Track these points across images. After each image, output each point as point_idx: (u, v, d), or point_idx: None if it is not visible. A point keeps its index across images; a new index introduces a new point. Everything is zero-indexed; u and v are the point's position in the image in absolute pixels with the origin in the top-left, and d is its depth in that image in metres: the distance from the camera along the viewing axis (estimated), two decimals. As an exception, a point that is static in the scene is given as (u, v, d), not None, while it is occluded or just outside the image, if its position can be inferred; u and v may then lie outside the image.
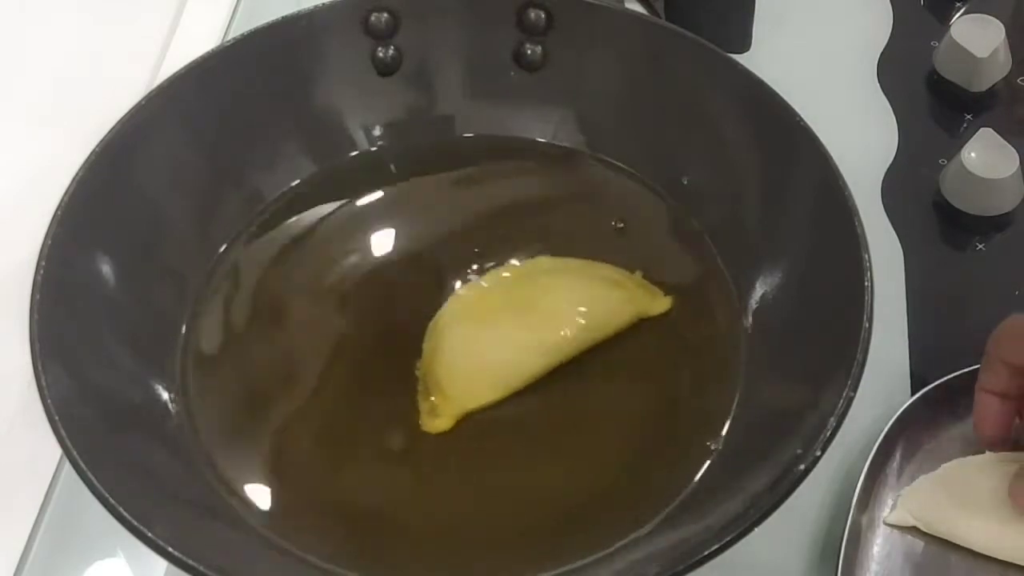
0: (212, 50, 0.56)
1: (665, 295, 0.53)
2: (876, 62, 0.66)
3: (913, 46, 0.67)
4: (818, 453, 0.41)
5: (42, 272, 0.47)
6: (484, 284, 0.53)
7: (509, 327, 0.52)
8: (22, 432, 0.51)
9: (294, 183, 0.57)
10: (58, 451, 0.45)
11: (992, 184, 0.57)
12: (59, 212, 0.49)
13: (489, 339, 0.51)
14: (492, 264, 0.54)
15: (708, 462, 0.47)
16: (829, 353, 0.45)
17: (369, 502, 0.48)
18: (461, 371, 0.50)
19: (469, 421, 0.49)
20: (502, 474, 0.48)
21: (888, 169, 0.61)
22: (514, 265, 0.54)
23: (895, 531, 0.48)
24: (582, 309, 0.51)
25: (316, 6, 0.57)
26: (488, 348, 0.51)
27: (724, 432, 0.48)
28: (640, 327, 0.52)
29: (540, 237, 0.55)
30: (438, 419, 0.49)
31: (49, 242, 0.48)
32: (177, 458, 0.48)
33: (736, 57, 0.55)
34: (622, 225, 0.56)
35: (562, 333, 0.51)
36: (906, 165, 0.61)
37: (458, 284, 0.53)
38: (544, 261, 0.54)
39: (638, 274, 0.54)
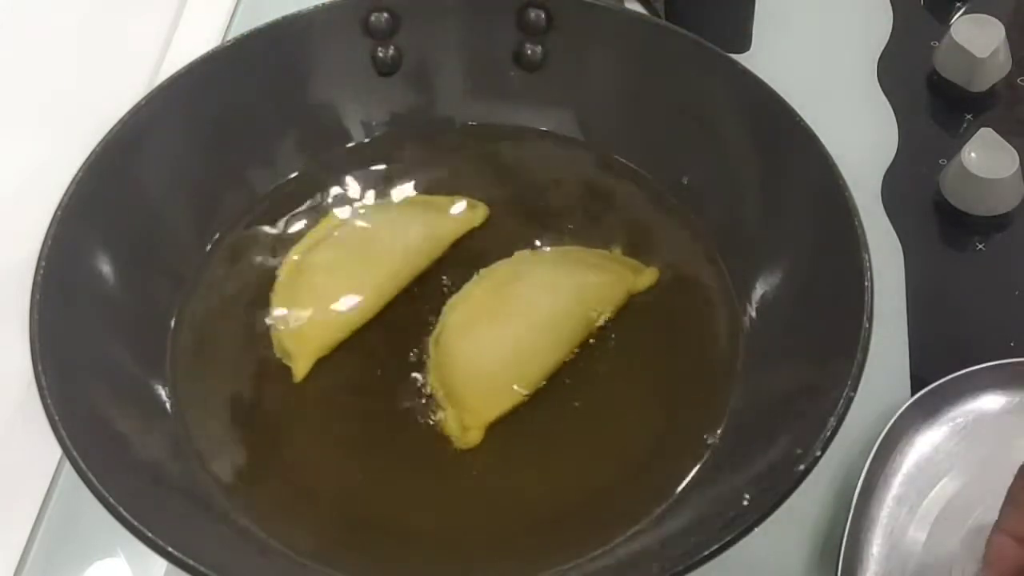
0: (212, 50, 0.56)
1: (648, 266, 0.54)
2: (876, 62, 0.66)
3: (913, 46, 0.67)
4: (818, 453, 0.42)
5: (42, 272, 0.47)
6: (476, 290, 0.53)
7: (517, 329, 0.52)
8: (22, 432, 0.51)
9: (293, 182, 0.57)
10: (58, 451, 0.45)
11: (992, 184, 0.57)
12: (59, 212, 0.49)
13: (500, 345, 0.51)
14: (480, 265, 0.54)
15: (704, 457, 0.47)
16: (829, 353, 0.45)
17: (368, 503, 0.48)
18: (481, 382, 0.50)
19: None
20: (498, 473, 0.48)
21: (888, 169, 0.61)
22: (499, 265, 0.54)
23: (895, 532, 0.48)
24: (580, 298, 0.52)
25: (316, 6, 0.57)
26: (502, 354, 0.51)
27: (720, 429, 0.48)
28: (641, 326, 0.52)
29: (540, 236, 0.55)
30: (468, 433, 0.49)
31: (49, 242, 0.48)
32: (177, 458, 0.48)
33: (736, 57, 0.55)
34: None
35: (568, 325, 0.51)
36: (906, 165, 0.61)
37: (448, 279, 0.53)
38: (524, 255, 0.54)
39: (616, 251, 0.54)
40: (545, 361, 0.50)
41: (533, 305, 0.52)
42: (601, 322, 0.52)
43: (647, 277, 0.53)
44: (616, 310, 0.52)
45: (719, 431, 0.48)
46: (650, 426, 0.49)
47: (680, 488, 0.47)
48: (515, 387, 0.50)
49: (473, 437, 0.49)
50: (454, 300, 0.53)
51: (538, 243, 0.55)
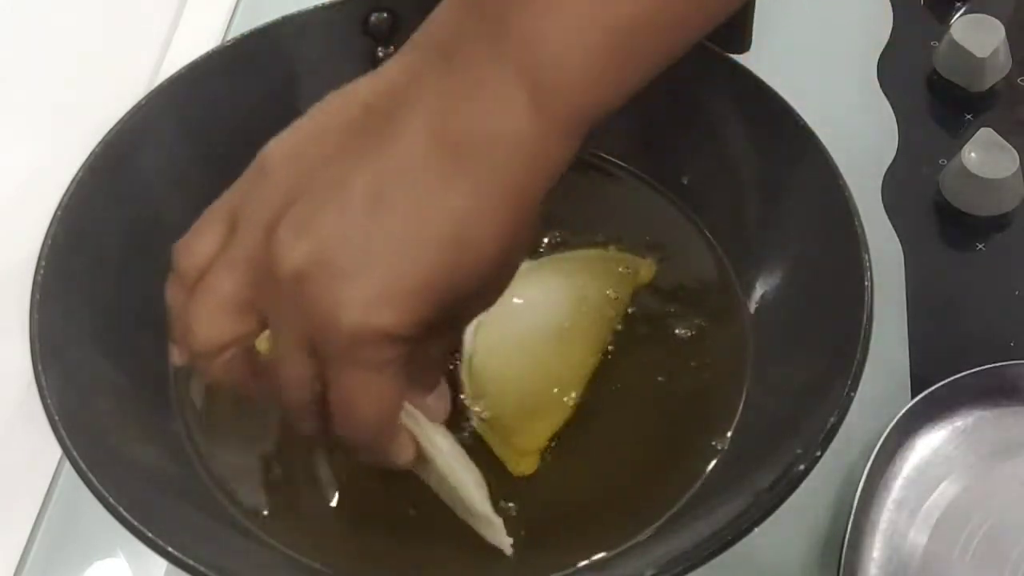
0: (212, 50, 0.56)
1: (644, 258, 0.54)
2: (876, 62, 0.66)
3: (913, 46, 0.67)
4: (818, 453, 0.41)
5: (42, 272, 0.47)
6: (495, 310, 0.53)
7: (551, 347, 0.51)
8: (22, 432, 0.51)
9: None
10: (58, 451, 0.45)
11: (992, 184, 0.57)
12: (59, 212, 0.49)
13: (539, 368, 0.50)
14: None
15: (713, 463, 0.47)
16: (829, 353, 0.45)
17: (368, 505, 0.48)
18: (528, 411, 0.49)
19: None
20: (504, 478, 0.48)
21: (888, 169, 0.61)
22: None
23: (896, 535, 0.48)
24: (594, 300, 0.52)
25: (316, 6, 0.57)
26: (544, 377, 0.50)
27: (729, 432, 0.48)
28: (644, 330, 0.52)
29: (539, 243, 0.55)
30: (524, 460, 0.48)
31: (49, 242, 0.48)
32: (177, 458, 0.48)
33: (736, 57, 0.55)
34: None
35: (593, 330, 0.51)
36: (906, 165, 0.61)
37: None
38: (525, 266, 0.54)
39: (612, 249, 0.54)
40: (586, 373, 0.50)
41: (557, 321, 0.52)
42: (618, 320, 0.52)
43: (647, 270, 0.53)
44: (625, 307, 0.52)
45: (729, 434, 0.48)
46: (656, 433, 0.49)
47: (686, 496, 0.46)
48: (562, 403, 0.49)
49: (531, 463, 0.48)
50: (479, 322, 0.51)
51: (540, 249, 0.55)
